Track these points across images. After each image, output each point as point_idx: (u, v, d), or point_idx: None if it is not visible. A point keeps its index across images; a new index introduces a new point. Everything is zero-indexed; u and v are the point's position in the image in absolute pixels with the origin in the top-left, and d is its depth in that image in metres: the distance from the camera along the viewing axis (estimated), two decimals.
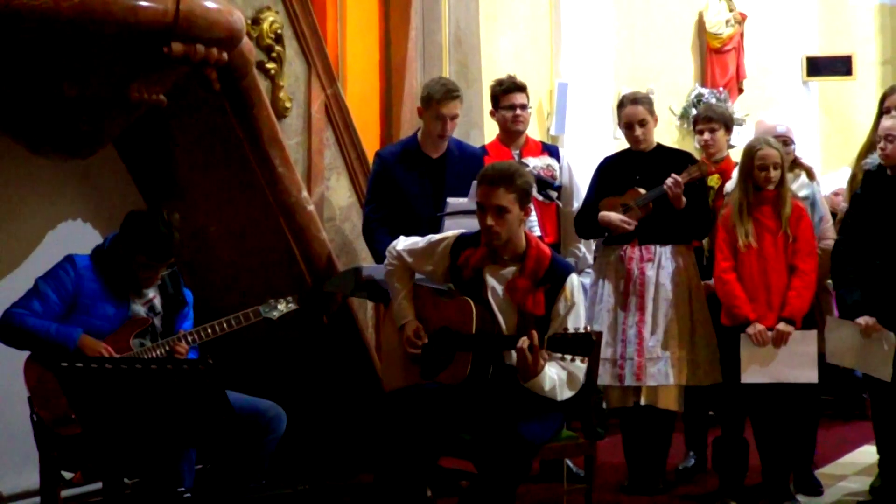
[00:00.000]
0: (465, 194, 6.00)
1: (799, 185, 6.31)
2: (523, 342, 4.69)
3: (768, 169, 5.97)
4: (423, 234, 5.46)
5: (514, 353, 4.78)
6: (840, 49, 13.91)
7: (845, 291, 5.93)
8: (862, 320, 5.80)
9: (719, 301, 6.12)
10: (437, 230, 5.78)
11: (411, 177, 6.27)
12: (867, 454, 6.96)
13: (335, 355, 6.58)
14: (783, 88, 13.34)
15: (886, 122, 5.98)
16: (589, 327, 4.90)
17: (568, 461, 6.31)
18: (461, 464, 5.25)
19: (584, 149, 9.70)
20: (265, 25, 6.23)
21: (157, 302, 5.25)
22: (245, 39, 5.70)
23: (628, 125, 6.44)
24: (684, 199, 6.17)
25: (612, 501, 6.16)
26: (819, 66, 13.73)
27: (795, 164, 6.49)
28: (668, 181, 6.14)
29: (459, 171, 6.20)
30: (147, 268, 5.13)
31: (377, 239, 6.16)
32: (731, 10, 12.57)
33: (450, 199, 6.01)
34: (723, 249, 6.07)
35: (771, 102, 12.36)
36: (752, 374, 5.97)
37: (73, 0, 4.71)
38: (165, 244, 5.07)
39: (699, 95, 11.96)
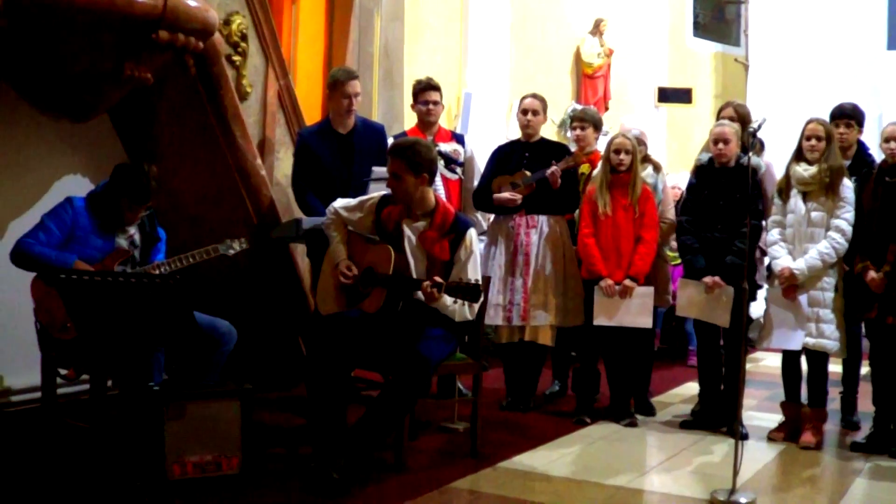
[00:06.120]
0: (370, 162, 6.04)
1: (646, 175, 6.44)
2: (426, 286, 4.75)
3: (620, 153, 6.12)
4: (337, 195, 5.47)
5: (419, 293, 4.83)
6: (684, 83, 14.18)
7: (692, 258, 6.02)
8: (708, 279, 5.92)
9: None
10: (349, 191, 5.84)
11: (326, 149, 6.23)
12: (691, 388, 7.14)
13: (277, 289, 6.60)
14: (639, 110, 13.56)
15: (717, 129, 6.07)
16: (479, 280, 4.92)
17: (459, 384, 6.41)
18: (372, 376, 5.31)
19: (482, 146, 9.79)
20: (234, 26, 6.26)
21: (137, 237, 5.23)
22: (217, 35, 5.74)
23: (524, 111, 6.55)
24: (560, 181, 6.30)
25: (492, 415, 6.26)
26: (667, 95, 13.97)
27: (646, 159, 6.60)
28: (551, 167, 6.26)
29: (364, 143, 6.22)
30: (129, 209, 5.14)
31: (306, 200, 6.16)
32: (602, 46, 12.72)
33: (374, 168, 6.00)
34: (585, 218, 6.20)
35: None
36: (601, 318, 6.12)
37: None
38: (145, 191, 5.08)
39: (574, 110, 12.06)
